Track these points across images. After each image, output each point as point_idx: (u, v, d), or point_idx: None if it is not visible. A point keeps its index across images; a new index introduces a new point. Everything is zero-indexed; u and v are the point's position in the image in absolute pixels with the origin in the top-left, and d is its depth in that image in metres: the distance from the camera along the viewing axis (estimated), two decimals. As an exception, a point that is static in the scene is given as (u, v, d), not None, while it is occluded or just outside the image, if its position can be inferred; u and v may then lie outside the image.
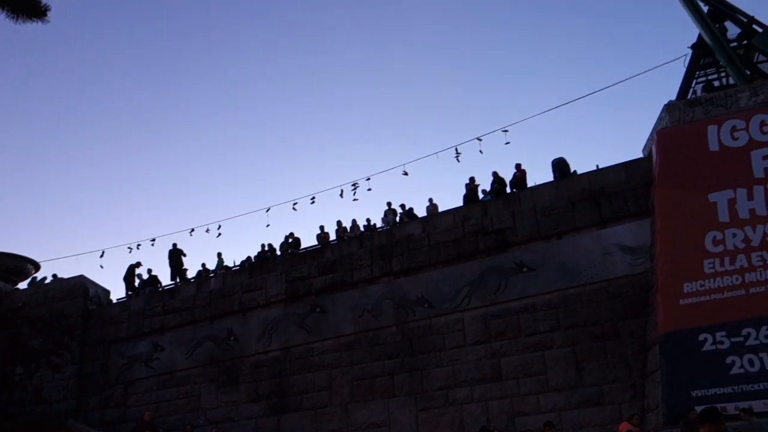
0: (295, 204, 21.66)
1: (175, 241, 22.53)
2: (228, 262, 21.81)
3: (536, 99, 52.73)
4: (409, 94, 56.65)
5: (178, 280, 21.92)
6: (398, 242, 18.10)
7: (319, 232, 20.48)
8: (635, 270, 15.04)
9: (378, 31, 55.46)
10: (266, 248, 20.99)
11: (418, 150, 63.28)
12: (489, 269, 16.55)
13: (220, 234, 22.60)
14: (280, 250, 20.81)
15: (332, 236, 20.37)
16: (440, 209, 19.23)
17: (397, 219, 19.63)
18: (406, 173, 20.79)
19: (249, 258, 21.07)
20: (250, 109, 56.47)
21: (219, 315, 19.65)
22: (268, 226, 22.06)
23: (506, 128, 19.38)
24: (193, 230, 22.70)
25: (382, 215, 20.15)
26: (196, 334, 19.74)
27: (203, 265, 21.95)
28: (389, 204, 20.05)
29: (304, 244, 20.76)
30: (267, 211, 21.98)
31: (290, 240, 20.76)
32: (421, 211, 19.60)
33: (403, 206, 19.91)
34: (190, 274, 22.16)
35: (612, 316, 14.99)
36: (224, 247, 50.09)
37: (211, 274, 21.35)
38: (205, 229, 22.60)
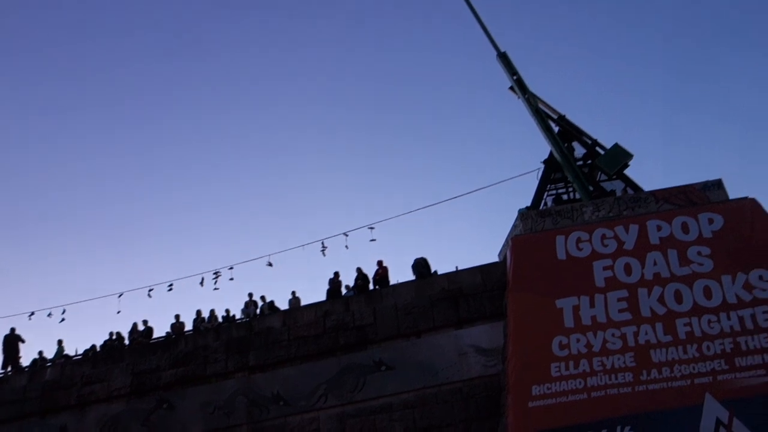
0: (150, 290, 20.65)
1: (14, 326, 20.59)
2: (70, 350, 20.14)
3: (403, 199, 54.73)
4: (278, 186, 56.93)
5: (9, 369, 19.86)
6: (257, 335, 17.53)
7: (174, 321, 19.49)
8: (489, 371, 15.39)
9: (247, 122, 55.91)
10: (114, 337, 19.61)
11: (285, 242, 62.96)
12: (348, 366, 16.33)
13: (63, 319, 21.02)
14: (129, 339, 19.51)
15: (189, 326, 19.44)
16: (303, 303, 18.98)
17: (258, 311, 19.11)
18: (270, 264, 20.52)
19: (93, 347, 19.56)
20: (102, 187, 54.21)
21: (52, 409, 17.86)
22: (119, 312, 20.80)
23: (372, 225, 19.79)
24: (33, 314, 20.93)
25: (242, 306, 19.58)
26: (22, 431, 17.73)
27: (40, 353, 20.11)
28: (250, 295, 19.57)
29: (159, 334, 19.64)
30: (119, 296, 20.77)
31: (141, 329, 19.55)
32: (283, 304, 19.25)
33: (264, 298, 19.47)
34: (26, 362, 20.18)
35: (466, 416, 15.12)
36: (68, 333, 46.23)
37: (48, 363, 19.53)
38: (48, 313, 20.91)
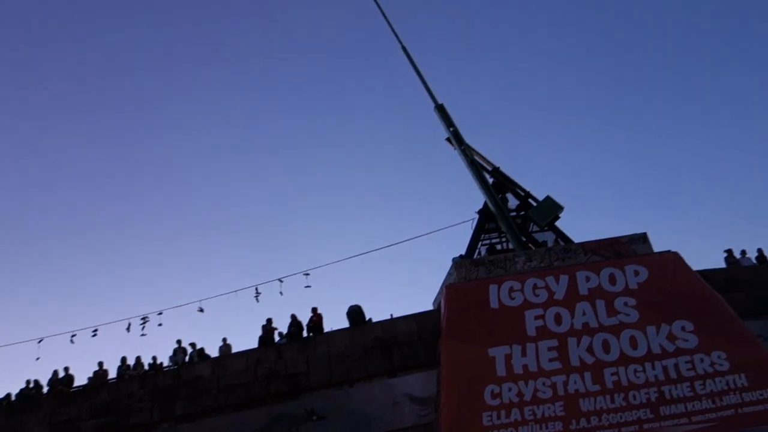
0: (73, 336, 19.79)
1: None
2: (-18, 399, 18.92)
3: (339, 246, 54.66)
4: (213, 232, 56.06)
5: None
6: (185, 384, 16.93)
7: (97, 368, 18.66)
8: (422, 420, 15.27)
9: (184, 168, 55.19)
10: (31, 385, 18.58)
11: (217, 287, 61.69)
12: (279, 416, 15.91)
13: (-24, 366, 19.82)
14: (48, 387, 18.53)
15: (113, 374, 18.64)
16: (235, 350, 18.50)
17: (187, 358, 18.51)
18: (201, 310, 20.02)
19: (8, 395, 18.47)
20: (21, 225, 52.19)
21: (-42, 463, 16.69)
22: (38, 359, 19.77)
23: (308, 272, 19.63)
24: (-58, 360, 19.71)
25: (171, 353, 18.94)
26: (-77, 487, 16.48)
27: (-51, 401, 18.82)
28: (179, 342, 18.96)
29: (81, 382, 18.73)
30: (39, 342, 19.78)
31: (61, 376, 18.61)
32: (214, 351, 18.72)
33: (194, 345, 18.90)
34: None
35: (398, 468, 14.90)
36: (-18, 381, 43.79)
37: (-44, 414, 18.28)
38: (-41, 359, 19.72)
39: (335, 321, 20.05)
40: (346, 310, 18.05)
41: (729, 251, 19.34)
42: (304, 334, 17.94)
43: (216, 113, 57.46)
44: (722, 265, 18.86)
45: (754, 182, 55.32)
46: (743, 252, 19.17)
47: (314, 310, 18.29)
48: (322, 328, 17.95)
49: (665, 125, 59.04)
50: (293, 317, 18.22)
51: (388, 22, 24.81)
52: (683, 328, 15.07)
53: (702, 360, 14.51)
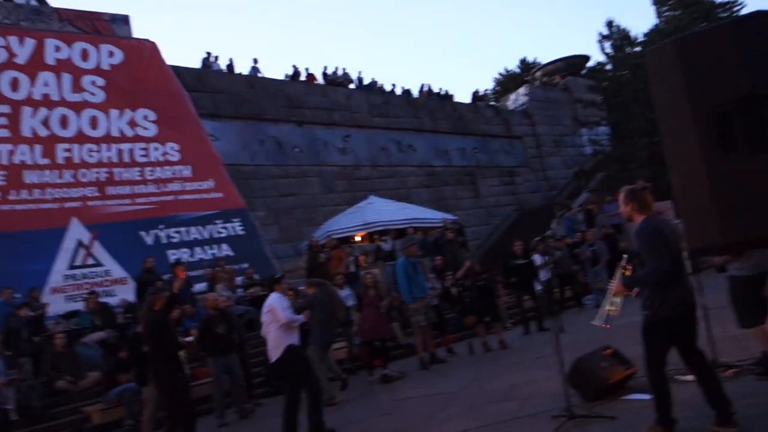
0: None
1: None
2: None
3: None
4: None
5: None
6: None
7: None
8: None
9: None
10: None
11: None
12: None
13: None
14: None
15: None
16: None
17: None
18: None
19: None
20: None
21: None
22: None
23: None
24: None
25: None
26: None
27: None
28: None
29: None
30: None
31: None
32: None
33: None
34: None
35: None
36: None
37: None
38: None
39: None
40: None
41: (208, 54, 20.37)
42: None
43: None
44: (198, 65, 19.83)
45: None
46: (216, 57, 20.47)
47: None
48: None
49: None
50: None
51: None
52: (145, 117, 15.59)
53: (156, 149, 15.44)
